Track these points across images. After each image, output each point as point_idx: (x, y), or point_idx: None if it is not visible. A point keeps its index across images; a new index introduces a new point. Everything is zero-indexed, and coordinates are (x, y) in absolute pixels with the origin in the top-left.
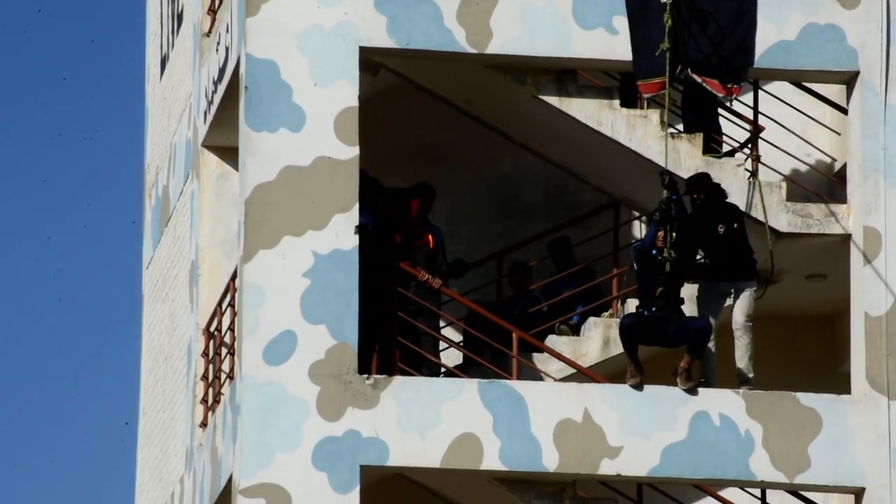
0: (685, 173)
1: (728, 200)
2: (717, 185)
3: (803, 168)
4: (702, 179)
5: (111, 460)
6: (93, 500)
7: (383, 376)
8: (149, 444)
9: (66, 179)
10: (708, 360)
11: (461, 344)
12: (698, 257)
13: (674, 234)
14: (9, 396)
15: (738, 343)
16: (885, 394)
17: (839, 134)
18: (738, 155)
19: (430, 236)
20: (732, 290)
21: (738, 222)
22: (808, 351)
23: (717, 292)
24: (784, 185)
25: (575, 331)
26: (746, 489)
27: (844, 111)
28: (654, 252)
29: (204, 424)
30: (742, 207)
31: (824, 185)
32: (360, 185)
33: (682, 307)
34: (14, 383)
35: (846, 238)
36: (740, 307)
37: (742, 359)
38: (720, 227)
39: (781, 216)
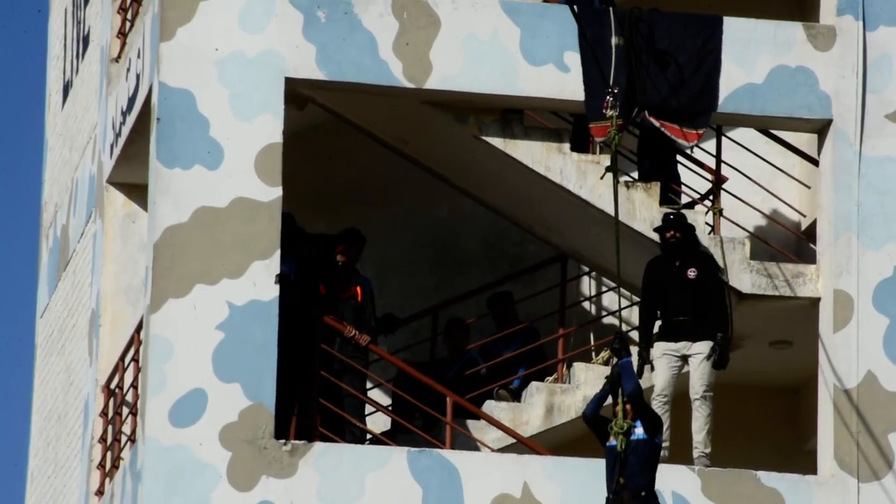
0: (640, 225)
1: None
2: (693, 229)
3: (769, 224)
4: (679, 218)
5: None
6: None
7: (302, 442)
8: None
9: None
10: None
11: (389, 408)
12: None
13: (627, 407)
14: None
15: (696, 415)
16: (854, 475)
17: (809, 187)
18: (698, 207)
19: (357, 288)
20: (691, 354)
21: (716, 273)
22: (770, 425)
23: (676, 355)
24: (748, 241)
25: (515, 396)
26: None
27: (815, 162)
28: (600, 421)
29: (100, 493)
30: None
31: (792, 242)
32: (282, 230)
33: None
34: None
35: (815, 302)
36: (699, 375)
37: (699, 432)
38: (691, 272)
39: (744, 276)
